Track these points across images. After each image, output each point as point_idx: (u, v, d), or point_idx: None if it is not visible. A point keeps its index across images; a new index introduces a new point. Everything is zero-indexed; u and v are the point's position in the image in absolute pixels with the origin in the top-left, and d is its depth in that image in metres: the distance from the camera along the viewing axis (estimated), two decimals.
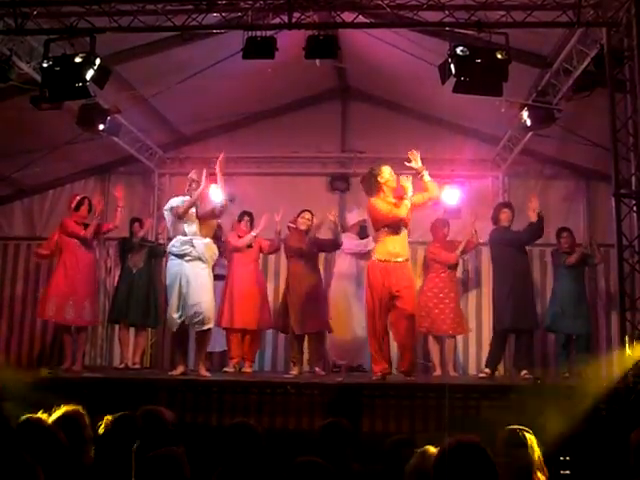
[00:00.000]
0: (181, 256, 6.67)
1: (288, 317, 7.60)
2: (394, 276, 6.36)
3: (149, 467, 2.71)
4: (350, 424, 3.63)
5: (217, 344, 8.06)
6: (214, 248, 6.93)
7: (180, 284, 6.63)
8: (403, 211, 6.41)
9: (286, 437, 5.21)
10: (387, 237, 6.45)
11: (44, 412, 3.45)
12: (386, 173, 6.56)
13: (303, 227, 7.74)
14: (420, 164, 6.58)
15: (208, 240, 6.84)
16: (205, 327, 6.72)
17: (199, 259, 6.68)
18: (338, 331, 8.05)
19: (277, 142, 9.40)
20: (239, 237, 8.05)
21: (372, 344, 6.52)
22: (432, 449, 2.84)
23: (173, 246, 6.76)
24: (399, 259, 6.42)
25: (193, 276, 6.64)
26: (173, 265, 6.73)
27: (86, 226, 7.84)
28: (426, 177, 6.60)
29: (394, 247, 6.41)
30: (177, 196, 7.03)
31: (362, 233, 8.46)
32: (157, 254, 8.50)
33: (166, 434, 3.42)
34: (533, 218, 7.51)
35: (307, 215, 7.78)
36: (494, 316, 7.73)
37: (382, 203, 6.49)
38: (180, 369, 6.79)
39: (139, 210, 9.49)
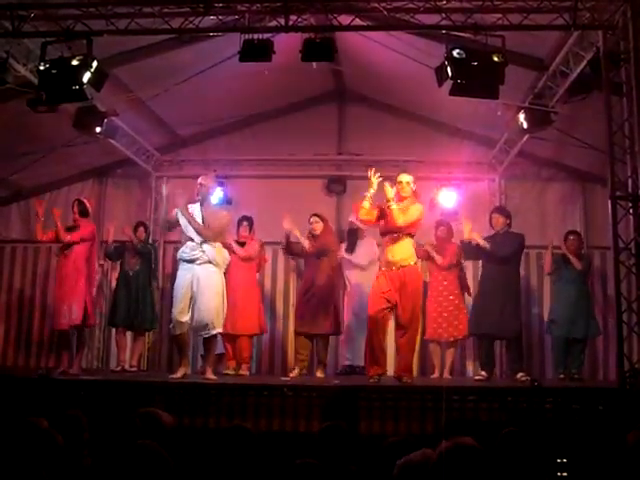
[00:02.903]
0: (191, 261, 6.62)
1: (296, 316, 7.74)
2: (397, 284, 6.33)
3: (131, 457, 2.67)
4: (348, 427, 3.63)
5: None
6: (225, 252, 6.85)
7: (192, 287, 6.55)
8: (397, 217, 6.32)
9: (283, 439, 5.21)
10: (387, 245, 6.45)
11: (42, 414, 3.45)
12: (402, 179, 6.49)
13: (316, 232, 7.76)
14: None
15: (218, 244, 6.74)
16: (212, 332, 6.65)
17: (209, 262, 6.63)
18: (351, 335, 8.08)
19: (274, 144, 9.41)
20: (238, 243, 8.01)
21: (368, 346, 6.51)
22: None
23: (183, 252, 6.68)
24: (402, 264, 6.39)
25: (204, 279, 6.54)
26: (184, 269, 6.65)
27: (71, 228, 7.75)
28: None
29: (393, 255, 6.38)
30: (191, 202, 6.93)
31: (350, 238, 8.38)
32: (143, 253, 8.41)
33: (164, 437, 3.42)
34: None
35: (314, 219, 7.79)
36: (470, 319, 7.73)
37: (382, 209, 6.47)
38: (182, 371, 6.75)
39: (136, 213, 9.49)
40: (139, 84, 7.68)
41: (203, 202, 6.76)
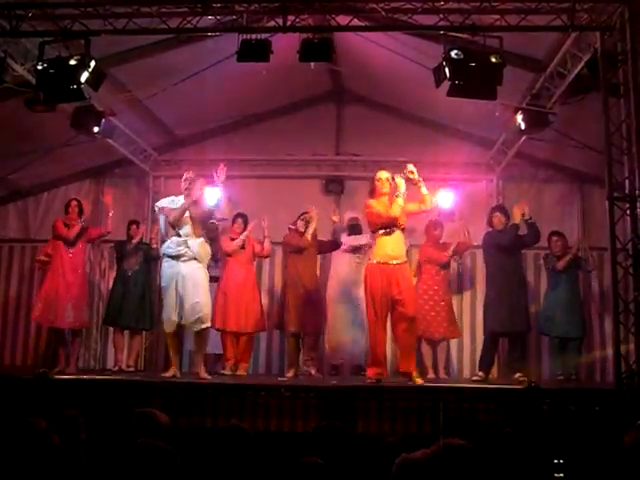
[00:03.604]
0: (176, 257, 6.68)
1: (284, 316, 7.64)
2: (394, 279, 6.35)
3: (140, 456, 2.66)
4: (344, 427, 3.63)
5: (211, 346, 8.03)
6: (207, 248, 6.94)
7: (176, 284, 6.63)
8: (396, 210, 6.39)
9: (280, 440, 5.21)
10: (384, 239, 6.46)
11: (39, 414, 3.45)
12: (382, 175, 6.58)
13: (303, 228, 7.73)
14: (417, 177, 6.53)
15: (201, 240, 6.84)
16: (203, 326, 6.73)
17: (194, 259, 6.69)
18: (335, 332, 8.06)
19: (272, 145, 9.40)
20: (232, 239, 8.04)
21: (372, 348, 6.51)
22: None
23: (168, 247, 6.76)
24: (398, 261, 6.42)
25: (189, 275, 6.65)
26: (168, 266, 6.74)
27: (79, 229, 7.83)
28: (423, 190, 6.56)
29: (392, 249, 6.41)
30: (171, 197, 7.03)
31: (353, 232, 8.41)
32: (152, 257, 8.50)
33: (160, 437, 3.42)
34: (516, 220, 7.58)
35: (308, 216, 7.78)
36: (484, 319, 7.76)
37: (377, 203, 6.50)
38: (172, 371, 6.77)
39: (134, 213, 9.48)
40: (137, 84, 7.68)
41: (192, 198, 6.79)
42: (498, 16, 6.02)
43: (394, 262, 6.40)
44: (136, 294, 8.23)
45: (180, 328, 6.88)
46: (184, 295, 6.62)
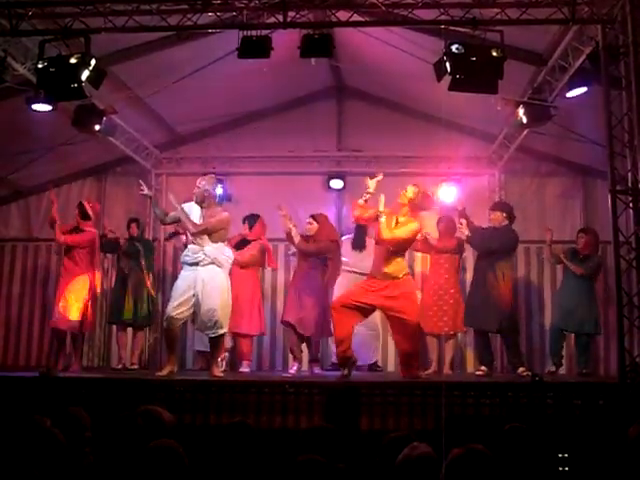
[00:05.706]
0: (195, 264, 6.60)
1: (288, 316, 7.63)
2: (388, 291, 6.35)
3: (149, 458, 2.67)
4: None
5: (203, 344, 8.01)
6: (227, 251, 6.83)
7: (195, 288, 6.52)
8: (383, 232, 6.37)
9: (285, 436, 5.21)
10: (380, 256, 6.45)
11: (43, 413, 3.45)
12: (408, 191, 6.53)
13: (310, 233, 7.66)
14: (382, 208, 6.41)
15: (220, 244, 6.71)
16: (219, 332, 6.65)
17: (212, 263, 6.62)
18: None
19: (273, 141, 9.38)
20: (241, 239, 8.00)
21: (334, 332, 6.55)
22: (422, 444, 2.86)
23: (186, 255, 6.65)
24: (396, 275, 6.41)
25: (209, 280, 6.52)
26: (187, 271, 6.62)
27: (78, 230, 7.94)
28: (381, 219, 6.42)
29: (387, 268, 6.40)
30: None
31: (358, 240, 8.33)
32: (131, 252, 8.39)
33: (165, 434, 3.42)
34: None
35: (309, 219, 7.70)
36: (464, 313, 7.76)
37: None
38: (168, 369, 6.72)
39: (136, 211, 9.48)
40: (137, 82, 7.68)
41: (202, 203, 6.74)
42: (499, 10, 6.00)
43: (389, 279, 6.38)
44: (135, 291, 8.21)
45: (176, 326, 6.79)
46: (201, 300, 6.54)
